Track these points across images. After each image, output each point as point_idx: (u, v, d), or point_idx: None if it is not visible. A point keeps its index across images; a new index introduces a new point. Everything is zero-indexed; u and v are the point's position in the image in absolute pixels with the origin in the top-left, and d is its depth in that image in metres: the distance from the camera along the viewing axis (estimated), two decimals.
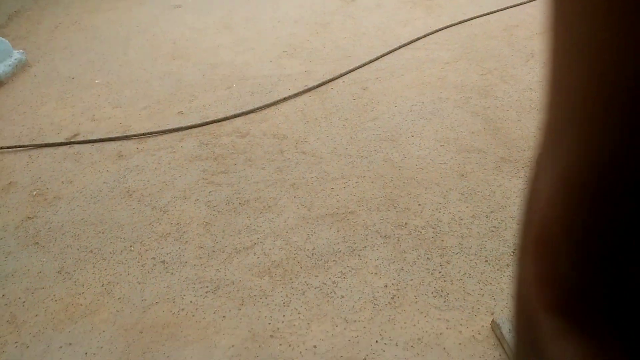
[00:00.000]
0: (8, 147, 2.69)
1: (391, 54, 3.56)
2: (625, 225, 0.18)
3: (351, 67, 3.38)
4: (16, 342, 1.59)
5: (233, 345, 1.54)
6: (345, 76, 3.29)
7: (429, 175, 2.29)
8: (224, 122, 2.84)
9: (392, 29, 3.92)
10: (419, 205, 2.10)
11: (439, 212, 2.06)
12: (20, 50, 3.81)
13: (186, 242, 1.98)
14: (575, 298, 0.21)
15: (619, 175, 0.18)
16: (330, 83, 3.22)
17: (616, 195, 0.18)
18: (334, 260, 1.84)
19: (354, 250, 1.88)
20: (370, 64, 3.44)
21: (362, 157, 2.46)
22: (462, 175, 2.29)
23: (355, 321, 1.60)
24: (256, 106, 2.97)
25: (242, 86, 3.24)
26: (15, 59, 3.68)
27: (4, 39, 3.68)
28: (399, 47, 3.63)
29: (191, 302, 1.71)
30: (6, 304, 1.73)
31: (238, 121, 2.85)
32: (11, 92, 3.37)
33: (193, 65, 3.56)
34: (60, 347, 1.57)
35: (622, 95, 0.16)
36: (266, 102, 3.00)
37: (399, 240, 1.91)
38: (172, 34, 4.18)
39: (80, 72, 3.60)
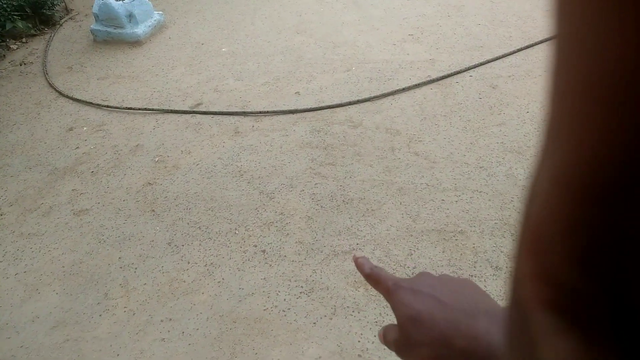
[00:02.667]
0: (139, 109, 2.90)
1: (530, 48, 3.17)
2: (620, 224, 0.18)
3: (482, 60, 3.08)
4: (125, 307, 1.73)
5: (320, 357, 1.52)
6: (473, 69, 3.01)
7: None
8: (337, 109, 2.77)
9: (535, 19, 3.48)
10: None
11: None
12: (160, 12, 4.05)
13: (287, 234, 1.98)
14: (570, 296, 0.21)
15: (614, 174, 0.17)
16: (455, 76, 2.97)
17: (611, 193, 0.18)
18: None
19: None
20: (505, 58, 3.10)
21: (481, 167, 2.25)
22: None
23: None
24: (373, 94, 2.84)
25: (361, 70, 3.12)
26: (155, 20, 3.92)
27: (147, 0, 3.93)
28: (541, 42, 3.22)
29: (285, 300, 1.72)
30: (121, 267, 1.89)
31: (352, 109, 2.76)
32: (147, 53, 3.60)
33: (315, 43, 3.50)
34: (162, 320, 1.68)
35: (619, 91, 0.16)
36: (384, 91, 2.86)
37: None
38: (299, 5, 4.15)
39: (209, 38, 3.74)
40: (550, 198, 0.21)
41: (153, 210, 2.16)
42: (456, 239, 1.89)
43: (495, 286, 1.69)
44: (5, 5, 3.74)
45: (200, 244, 1.96)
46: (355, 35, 3.54)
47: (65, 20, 4.14)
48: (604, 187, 0.18)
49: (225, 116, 2.79)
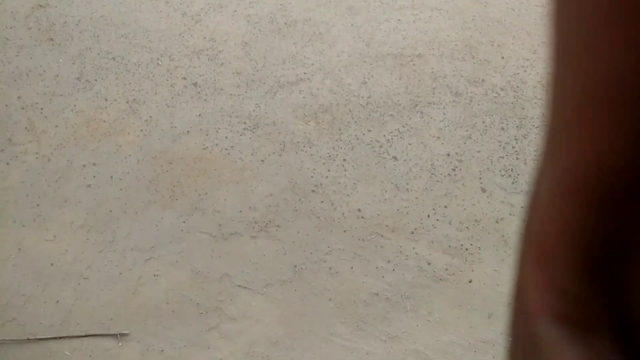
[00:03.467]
0: None
1: None
2: (623, 232, 0.18)
3: None
4: (37, 153, 1.47)
5: (271, 194, 1.40)
6: None
7: (521, 19, 1.85)
8: None
9: None
10: (502, 58, 1.73)
11: (525, 71, 1.70)
12: None
13: (222, 64, 1.69)
14: (574, 305, 0.21)
15: (618, 182, 0.17)
16: None
17: (614, 202, 0.18)
18: (391, 115, 1.58)
19: (416, 105, 1.60)
20: None
21: None
22: None
23: (407, 189, 1.42)
24: None
25: None
26: None
27: None
28: None
29: (226, 137, 1.52)
30: (23, 108, 1.56)
31: None
32: None
33: None
34: (84, 165, 1.45)
35: (624, 98, 0.16)
36: None
37: (471, 101, 1.62)
38: None
39: None
40: (553, 206, 0.21)
41: (51, 39, 1.74)
42: (414, 64, 1.71)
43: (455, 113, 1.59)
44: None
45: (117, 78, 1.64)
46: None
47: None
48: (607, 196, 0.18)
49: None
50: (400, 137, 1.53)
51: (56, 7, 1.84)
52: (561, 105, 0.19)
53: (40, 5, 1.85)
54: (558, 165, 0.20)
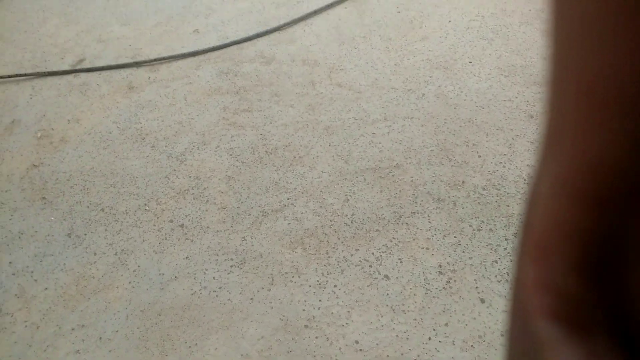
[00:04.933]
0: (10, 76, 2.40)
1: None
2: (621, 232, 0.18)
3: None
4: (26, 321, 1.45)
5: (262, 337, 1.35)
6: None
7: (491, 116, 1.90)
8: (245, 44, 2.44)
9: None
10: (479, 156, 1.76)
11: (504, 166, 1.71)
12: None
13: (207, 201, 1.73)
14: (573, 304, 0.20)
15: (617, 181, 0.17)
16: None
17: (613, 201, 0.18)
18: (376, 230, 1.57)
19: (400, 217, 1.60)
20: None
21: (409, 90, 2.07)
22: (532, 117, 1.89)
23: (403, 311, 1.37)
24: (282, 22, 2.52)
25: None
26: None
27: None
28: None
29: (214, 278, 1.51)
30: (14, 274, 1.58)
31: (262, 42, 2.43)
32: (10, 6, 2.98)
33: None
34: (73, 329, 1.42)
35: (625, 96, 0.16)
36: (294, 17, 2.54)
37: (455, 205, 1.61)
38: None
39: None
40: (552, 206, 0.20)
41: (44, 198, 1.81)
42: (393, 175, 1.73)
43: (440, 220, 1.57)
44: None
45: (106, 230, 1.68)
46: None
47: None
48: (606, 195, 0.18)
49: (114, 70, 2.38)
50: (390, 253, 1.51)
51: (49, 165, 1.94)
52: (559, 105, 0.19)
53: (34, 165, 1.95)
54: (557, 165, 0.19)
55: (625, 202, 0.17)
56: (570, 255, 0.20)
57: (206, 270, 1.53)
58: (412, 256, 1.49)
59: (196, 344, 1.36)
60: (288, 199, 1.71)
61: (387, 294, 1.42)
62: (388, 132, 1.89)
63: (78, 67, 2.42)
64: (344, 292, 1.44)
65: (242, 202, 1.71)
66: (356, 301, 1.41)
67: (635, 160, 0.16)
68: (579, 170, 0.18)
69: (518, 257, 0.24)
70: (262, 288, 1.47)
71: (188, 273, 1.53)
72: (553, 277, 0.21)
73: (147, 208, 1.73)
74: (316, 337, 1.34)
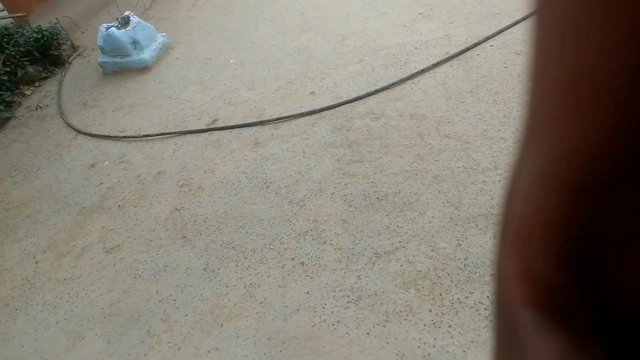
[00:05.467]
0: (157, 135, 2.85)
1: None
2: (603, 221, 0.18)
3: (500, 27, 2.90)
4: (169, 343, 1.67)
5: None
6: (493, 38, 2.84)
7: None
8: (356, 103, 2.65)
9: None
10: None
11: None
12: (163, 34, 4.01)
13: (324, 242, 1.88)
14: (554, 293, 0.21)
15: (598, 170, 0.17)
16: (475, 48, 2.80)
17: (594, 191, 0.18)
18: (491, 275, 1.58)
19: None
20: (524, 21, 2.91)
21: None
22: None
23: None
24: (390, 81, 2.71)
25: (374, 58, 2.99)
26: (160, 43, 3.89)
27: (149, 24, 3.91)
28: None
29: (332, 312, 1.62)
30: (160, 301, 1.83)
31: (371, 100, 2.64)
32: (157, 77, 3.57)
33: (322, 38, 3.39)
34: (209, 351, 1.60)
35: (606, 88, 0.16)
36: (401, 77, 2.73)
37: None
38: (301, 3, 4.04)
39: (216, 52, 3.68)
40: (533, 195, 0.20)
41: (184, 237, 2.09)
42: None
43: None
44: (14, 53, 3.78)
45: (236, 265, 1.89)
46: (363, 24, 3.41)
47: (74, 58, 4.16)
48: (588, 184, 0.18)
49: (243, 128, 2.72)
50: None
51: (188, 209, 2.24)
52: (541, 95, 0.19)
53: (176, 209, 2.27)
54: (538, 155, 0.20)
55: (607, 191, 0.17)
56: (551, 245, 0.20)
57: (325, 305, 1.65)
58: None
59: None
60: (400, 242, 1.79)
61: None
62: (499, 180, 1.92)
63: (212, 126, 2.81)
64: (459, 332, 1.46)
65: (356, 244, 1.83)
66: (472, 342, 1.42)
67: (617, 151, 0.16)
68: (560, 159, 0.18)
69: (499, 247, 0.24)
70: (378, 324, 1.54)
71: (309, 307, 1.66)
72: (534, 267, 0.21)
73: (271, 247, 1.92)
74: None
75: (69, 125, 3.14)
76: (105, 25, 3.78)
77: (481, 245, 1.69)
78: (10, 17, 4.47)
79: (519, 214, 0.21)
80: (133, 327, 1.73)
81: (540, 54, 0.19)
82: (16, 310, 1.92)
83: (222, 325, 1.68)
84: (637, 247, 0.18)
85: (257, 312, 1.69)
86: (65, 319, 1.82)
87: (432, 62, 2.75)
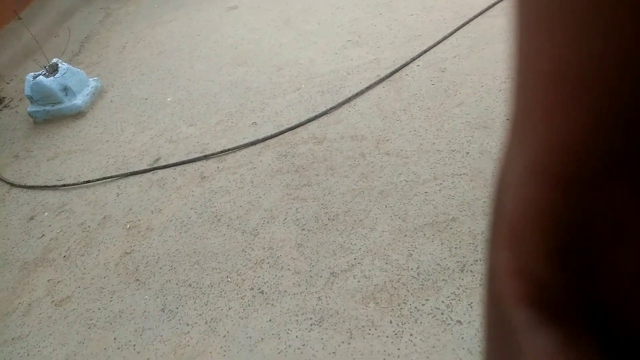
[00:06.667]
0: (98, 180, 2.78)
1: (466, 26, 3.23)
2: (594, 216, 0.18)
3: (424, 48, 3.11)
4: None
5: None
6: (419, 59, 3.04)
7: None
8: (298, 129, 2.73)
9: None
10: None
11: None
12: (95, 78, 3.94)
13: (281, 267, 1.90)
14: (547, 290, 0.20)
15: (588, 164, 0.17)
16: (403, 69, 2.98)
17: (584, 185, 0.18)
18: (443, 280, 1.67)
19: (464, 265, 1.70)
20: (445, 40, 3.14)
21: (453, 151, 2.24)
22: None
23: (480, 352, 1.43)
24: (328, 106, 2.82)
25: (310, 86, 3.10)
26: (92, 87, 3.81)
27: (79, 70, 3.82)
28: (474, 17, 3.29)
29: (297, 337, 1.63)
30: (119, 348, 1.76)
31: (312, 126, 2.72)
32: (93, 122, 3.48)
33: (258, 70, 3.47)
34: None
35: (593, 81, 0.16)
36: (338, 101, 2.84)
37: None
38: (233, 37, 4.12)
39: (152, 91, 3.65)
40: (523, 189, 0.20)
41: (137, 280, 2.04)
42: (450, 228, 1.86)
43: None
44: None
45: (194, 302, 1.86)
46: (296, 54, 3.53)
47: (0, 110, 3.97)
48: (579, 179, 0.18)
49: (187, 164, 2.71)
50: (459, 300, 1.60)
51: (139, 251, 2.19)
52: (526, 89, 0.19)
53: (126, 253, 2.21)
54: (528, 149, 0.19)
55: (598, 184, 0.17)
56: (543, 241, 0.20)
57: (289, 330, 1.66)
58: (481, 300, 1.57)
59: None
60: (355, 259, 1.85)
61: (462, 338, 1.49)
62: (440, 190, 2.04)
63: (155, 165, 2.77)
64: (420, 339, 1.52)
65: (313, 266, 1.87)
66: (433, 347, 1.49)
67: (606, 143, 0.16)
68: (551, 153, 0.18)
69: (490, 244, 0.24)
70: (343, 342, 1.58)
71: (273, 334, 1.66)
72: (526, 263, 0.21)
73: (229, 280, 1.92)
74: None
75: (1, 179, 2.98)
76: (32, 74, 3.66)
77: (430, 252, 1.79)
78: None
79: (509, 210, 0.21)
80: None
81: (524, 46, 0.19)
82: None
83: None
84: (629, 241, 0.18)
85: (221, 347, 1.67)
86: None
87: (365, 85, 2.90)
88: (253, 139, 2.73)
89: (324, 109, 2.80)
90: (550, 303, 0.20)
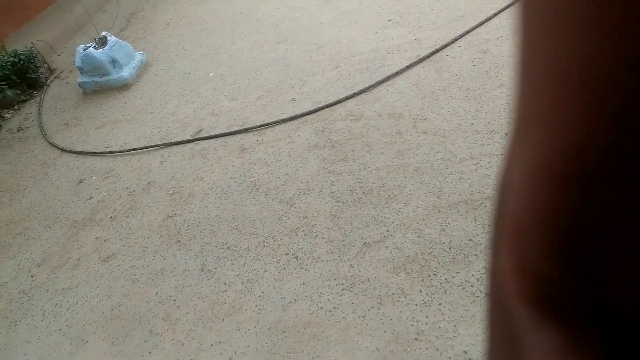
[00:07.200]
0: (143, 148, 2.91)
1: (510, 7, 3.16)
2: (597, 214, 0.18)
3: (466, 29, 3.07)
4: (172, 340, 1.72)
5: (377, 349, 1.50)
6: (461, 39, 3.00)
7: None
8: (336, 106, 2.77)
9: None
10: None
11: None
12: (141, 52, 4.07)
13: (316, 236, 1.96)
14: (550, 288, 0.20)
15: (592, 162, 0.17)
16: (445, 49, 2.96)
17: (586, 184, 0.18)
18: (475, 255, 1.69)
19: None
20: (488, 22, 3.09)
21: (491, 131, 2.23)
22: None
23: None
24: (367, 85, 2.84)
25: (349, 64, 3.12)
26: (138, 61, 3.95)
27: (127, 43, 3.96)
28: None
29: (328, 300, 1.70)
30: (160, 302, 1.88)
31: (350, 103, 2.75)
32: (138, 93, 3.62)
33: (298, 48, 3.51)
34: (212, 345, 1.66)
35: (596, 80, 0.16)
36: (377, 79, 2.86)
37: None
38: (274, 16, 4.17)
39: (194, 66, 3.76)
40: (526, 188, 0.20)
41: (179, 241, 2.15)
42: (485, 206, 1.87)
43: None
44: None
45: (232, 264, 1.95)
46: (336, 33, 3.55)
47: (52, 80, 4.18)
48: (583, 177, 0.18)
49: (227, 137, 2.79)
50: None
51: (181, 215, 2.30)
52: (530, 88, 0.19)
53: (168, 216, 2.32)
54: (531, 148, 0.19)
55: (601, 183, 0.17)
56: (546, 239, 0.20)
57: (321, 293, 1.73)
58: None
59: (318, 356, 1.53)
60: (387, 231, 1.89)
61: None
62: (476, 169, 2.04)
63: (197, 136, 2.88)
64: (449, 309, 1.56)
65: (346, 236, 1.93)
66: (461, 317, 1.52)
67: (609, 142, 0.16)
68: (554, 152, 0.18)
69: (493, 243, 0.24)
70: (372, 307, 1.63)
71: (305, 296, 1.74)
72: (529, 262, 0.21)
73: (265, 245, 2.00)
74: (426, 349, 1.46)
75: (52, 144, 3.17)
76: (82, 45, 3.82)
77: (463, 229, 1.81)
78: None
79: (512, 209, 0.21)
80: (135, 328, 1.78)
81: (527, 45, 0.19)
82: (16, 321, 1.94)
83: (222, 320, 1.74)
84: (631, 240, 0.18)
85: (256, 305, 1.76)
86: (67, 326, 1.85)
87: (405, 65, 2.89)
88: (292, 114, 2.79)
89: (363, 87, 2.82)
90: (553, 302, 0.20)
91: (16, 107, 3.82)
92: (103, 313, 1.87)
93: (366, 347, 1.52)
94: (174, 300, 1.87)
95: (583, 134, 0.17)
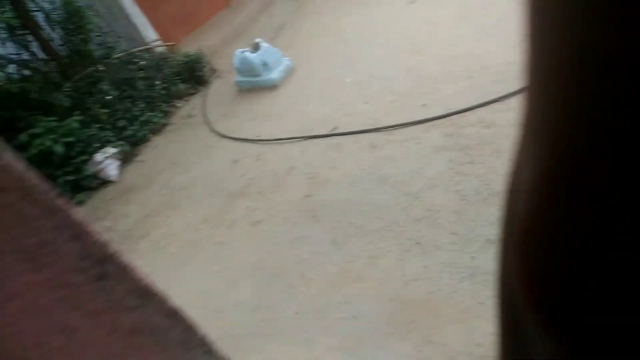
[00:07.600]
0: (287, 138, 3.31)
1: None
2: (605, 219, 0.18)
3: None
4: (306, 294, 2.01)
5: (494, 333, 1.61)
6: None
7: None
8: (467, 113, 2.88)
9: None
10: None
11: None
12: (288, 58, 4.58)
13: (439, 227, 2.12)
14: (558, 293, 0.20)
15: (599, 168, 0.17)
16: None
17: (595, 188, 0.18)
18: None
19: None
20: None
21: None
22: None
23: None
24: (501, 94, 2.91)
25: (484, 75, 3.21)
26: (285, 65, 4.45)
27: (276, 49, 4.49)
28: None
29: (448, 284, 1.84)
30: (297, 263, 2.19)
31: (482, 111, 2.85)
32: (284, 93, 4.10)
33: (432, 59, 3.68)
34: (339, 303, 1.91)
35: (605, 82, 0.16)
36: (512, 90, 2.91)
37: None
38: (411, 29, 4.39)
39: (333, 73, 4.13)
40: (536, 195, 0.20)
41: (314, 217, 2.46)
42: None
43: None
44: (168, 73, 4.57)
45: (359, 241, 2.19)
46: (472, 45, 3.65)
47: (214, 78, 4.89)
48: (588, 183, 0.18)
49: (360, 134, 3.07)
50: None
51: (317, 195, 2.62)
52: (540, 94, 0.19)
53: (306, 196, 2.65)
54: (540, 153, 0.19)
55: (608, 191, 0.17)
56: (553, 244, 0.20)
57: (441, 277, 1.89)
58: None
59: (434, 328, 1.69)
60: None
61: None
62: None
63: (333, 132, 3.20)
64: None
65: (469, 231, 2.05)
66: None
67: (616, 148, 0.16)
68: (563, 157, 0.18)
69: (502, 246, 0.24)
70: (492, 296, 1.75)
71: (426, 277, 1.91)
72: (538, 266, 0.21)
73: (389, 229, 2.21)
74: None
75: (213, 130, 3.75)
76: (240, 50, 4.43)
77: None
78: (163, 46, 5.37)
79: (521, 214, 0.21)
80: (276, 280, 2.11)
81: (534, 65, 0.19)
82: (184, 262, 2.41)
83: (349, 285, 1.98)
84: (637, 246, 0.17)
85: (378, 278, 1.97)
86: (222, 270, 2.26)
87: None
88: (422, 118, 2.97)
89: (496, 97, 2.90)
90: (563, 306, 0.20)
91: (186, 98, 4.56)
92: (251, 264, 2.24)
93: (483, 329, 1.64)
94: (309, 262, 2.17)
95: (589, 140, 0.17)
